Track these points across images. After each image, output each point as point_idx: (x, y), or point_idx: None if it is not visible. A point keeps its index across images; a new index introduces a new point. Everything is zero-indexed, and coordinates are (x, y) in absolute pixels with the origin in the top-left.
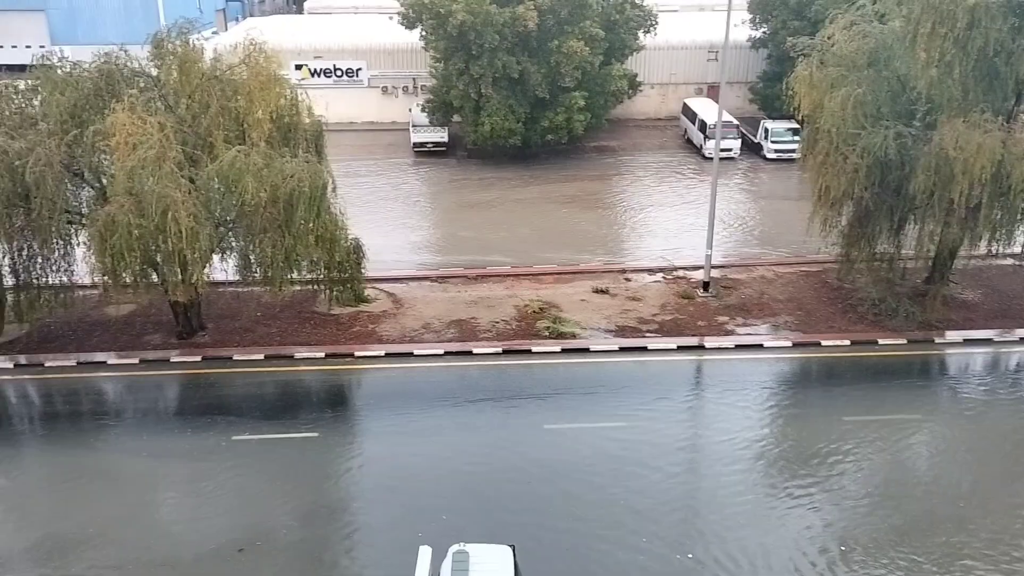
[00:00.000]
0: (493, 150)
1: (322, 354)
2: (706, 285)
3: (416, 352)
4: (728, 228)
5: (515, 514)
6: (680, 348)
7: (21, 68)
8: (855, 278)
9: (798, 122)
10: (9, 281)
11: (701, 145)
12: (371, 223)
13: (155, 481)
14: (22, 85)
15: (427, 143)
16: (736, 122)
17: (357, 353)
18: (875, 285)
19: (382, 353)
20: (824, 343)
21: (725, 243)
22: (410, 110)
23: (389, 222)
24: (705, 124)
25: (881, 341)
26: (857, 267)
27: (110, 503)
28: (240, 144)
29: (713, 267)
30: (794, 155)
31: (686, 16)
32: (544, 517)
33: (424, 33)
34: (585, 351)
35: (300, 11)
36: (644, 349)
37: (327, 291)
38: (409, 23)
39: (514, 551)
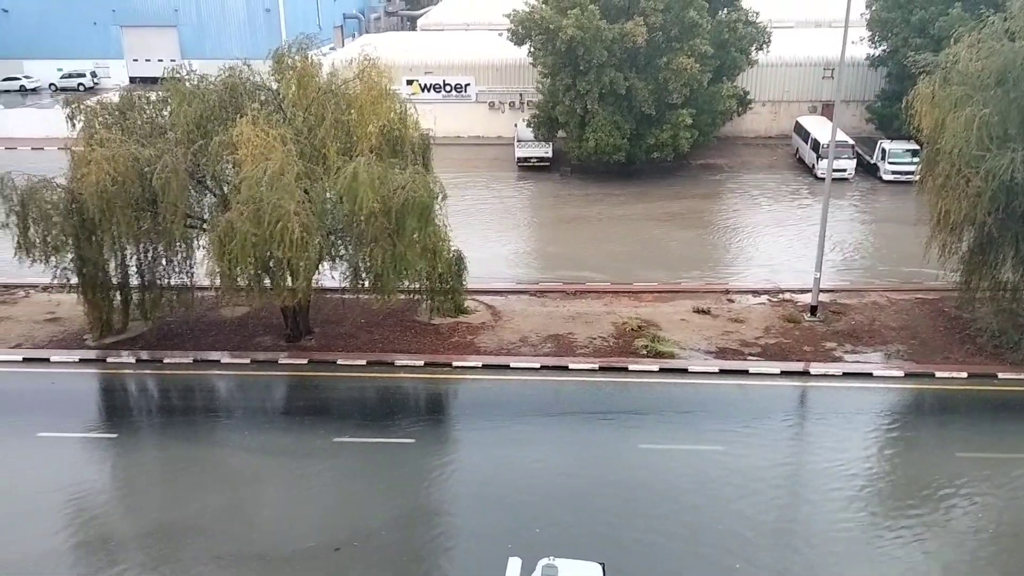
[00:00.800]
0: (597, 166)
1: (421, 362)
2: (813, 309)
3: (513, 364)
4: (839, 251)
5: (606, 531)
6: (784, 373)
7: (153, 80)
8: (975, 308)
9: (918, 143)
10: (135, 280)
11: (813, 165)
12: (473, 236)
13: (259, 477)
14: (154, 96)
15: (531, 158)
16: (851, 142)
17: (455, 363)
18: (996, 316)
19: (479, 364)
20: (939, 374)
21: (835, 267)
22: (515, 125)
23: (491, 235)
24: (818, 143)
25: (1001, 375)
26: (978, 296)
27: (216, 495)
28: (349, 156)
29: (822, 291)
30: (912, 177)
31: (801, 32)
32: (636, 535)
33: (532, 49)
34: (684, 372)
35: (413, 28)
36: (745, 372)
37: (428, 301)
38: (518, 39)
39: (604, 569)
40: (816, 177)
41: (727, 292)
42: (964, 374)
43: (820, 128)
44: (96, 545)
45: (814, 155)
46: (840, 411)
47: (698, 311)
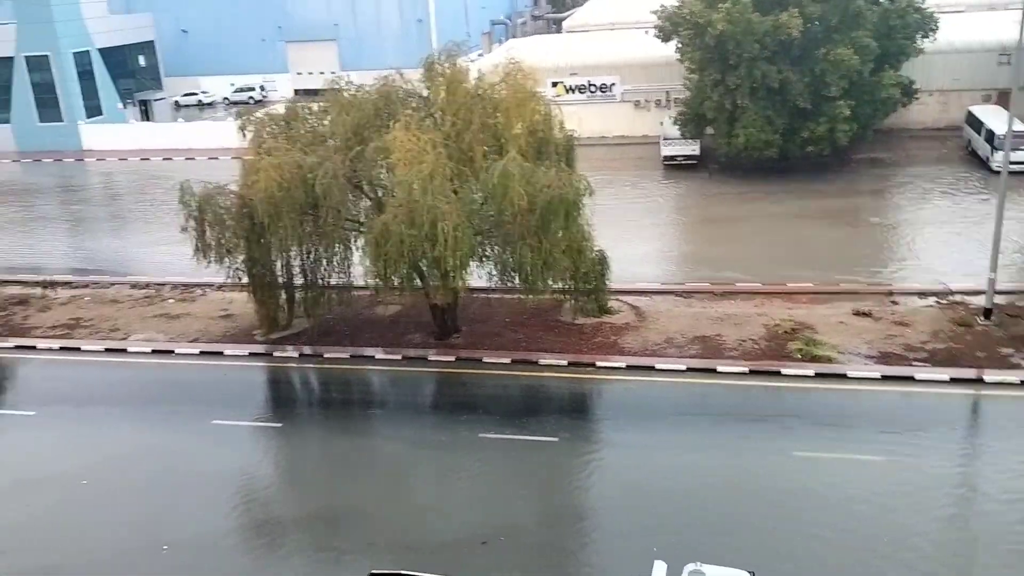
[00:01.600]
0: (747, 163)
1: (565, 362)
2: (988, 312)
3: (658, 366)
4: (1017, 250)
5: (757, 538)
6: (953, 380)
7: (315, 92)
8: None
9: None
10: (299, 280)
11: (988, 157)
12: (617, 236)
13: (410, 469)
14: (315, 107)
15: (677, 156)
16: None
17: (599, 363)
18: None
19: (623, 365)
20: None
21: (1013, 267)
22: (661, 123)
23: (635, 235)
24: (993, 134)
25: None
26: None
27: (370, 484)
28: (497, 156)
29: (997, 292)
30: None
31: (973, 16)
32: (787, 547)
33: (680, 45)
34: (842, 377)
35: (559, 30)
36: (911, 379)
37: (572, 301)
38: (665, 36)
39: None
40: (991, 170)
41: (890, 294)
42: None
43: (995, 118)
44: (262, 527)
45: (988, 147)
46: (1018, 421)
47: (858, 313)
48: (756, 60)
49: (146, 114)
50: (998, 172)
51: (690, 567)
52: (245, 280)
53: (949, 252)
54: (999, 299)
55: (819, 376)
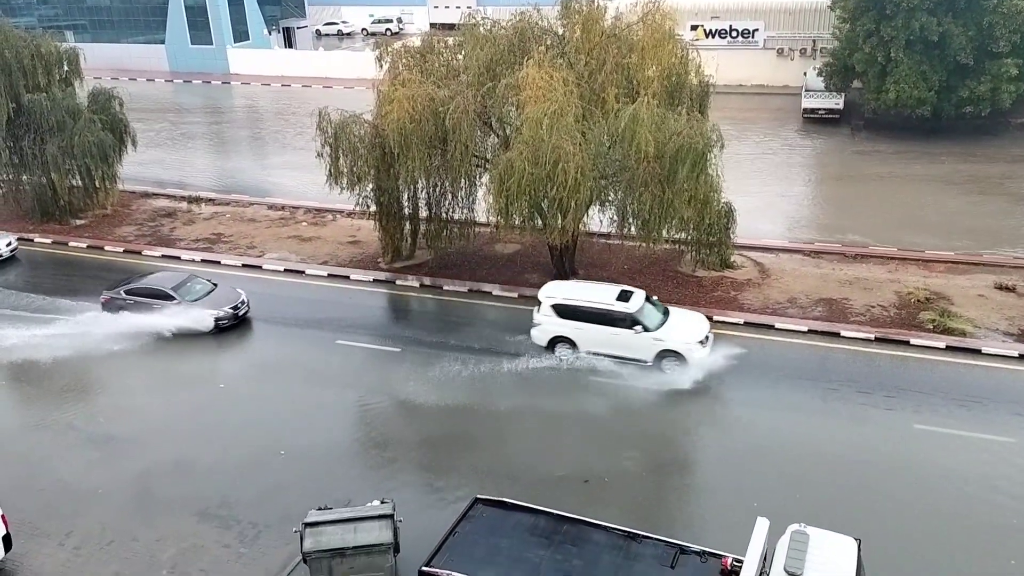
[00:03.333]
0: (895, 120)
1: None
2: None
3: (777, 325)
4: None
5: (864, 508)
6: None
7: (451, 26)
8: None
9: None
10: (423, 212)
11: None
12: (747, 189)
13: (528, 398)
14: (451, 41)
15: (819, 110)
16: None
17: (715, 318)
18: None
19: (741, 321)
20: None
21: None
22: (804, 74)
23: (766, 189)
24: None
25: None
26: None
27: (480, 416)
28: (629, 100)
29: None
30: None
31: None
32: (897, 518)
33: None
34: (976, 352)
35: None
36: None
37: (694, 252)
38: None
39: (859, 546)
40: None
41: None
42: None
43: None
44: (379, 443)
45: None
46: None
47: (1001, 287)
48: (916, 10)
49: (289, 41)
50: None
51: (794, 527)
52: (373, 208)
53: None
54: None
55: (950, 349)
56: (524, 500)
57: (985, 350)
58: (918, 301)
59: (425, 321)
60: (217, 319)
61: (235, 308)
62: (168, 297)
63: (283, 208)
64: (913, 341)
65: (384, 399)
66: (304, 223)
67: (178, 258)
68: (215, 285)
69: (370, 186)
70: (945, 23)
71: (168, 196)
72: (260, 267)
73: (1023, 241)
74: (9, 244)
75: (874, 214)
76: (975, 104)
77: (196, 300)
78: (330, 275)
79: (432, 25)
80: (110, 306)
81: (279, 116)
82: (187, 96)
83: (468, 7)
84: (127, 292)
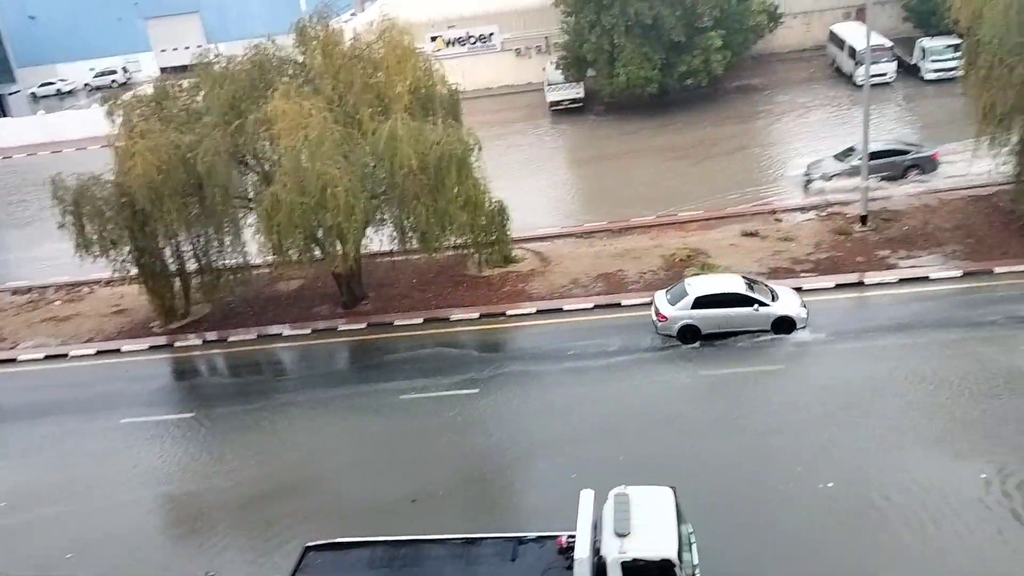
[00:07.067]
0: (630, 101)
1: (476, 314)
2: (864, 219)
3: (566, 307)
4: None
5: (673, 466)
6: (838, 286)
7: (184, 68)
8: None
9: (959, 36)
10: (192, 265)
11: (852, 73)
12: (513, 185)
13: (333, 436)
14: (186, 83)
15: (563, 101)
16: (889, 44)
17: (509, 311)
18: None
19: (533, 310)
20: (997, 270)
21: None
22: (543, 69)
23: (530, 182)
24: (855, 50)
25: None
26: None
27: (299, 455)
28: (383, 118)
29: (871, 200)
30: (956, 74)
31: None
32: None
33: None
34: None
35: None
36: (799, 289)
37: (476, 254)
38: None
39: (675, 492)
40: (856, 85)
41: (774, 212)
42: None
43: (856, 34)
44: (192, 515)
45: (852, 63)
46: (901, 319)
47: (746, 234)
48: None
49: (1, 109)
50: (862, 86)
51: (616, 490)
52: (134, 272)
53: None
54: (874, 205)
55: None
56: (357, 535)
57: None
58: (681, 260)
59: (215, 377)
60: None
61: None
62: None
63: (29, 291)
64: None
65: (191, 471)
66: (57, 302)
67: None
68: None
69: (126, 248)
70: (656, 5)
71: None
72: (14, 360)
73: (760, 189)
74: None
75: (628, 188)
76: (694, 76)
77: None
78: (99, 351)
79: (163, 70)
80: None
81: (5, 193)
82: None
83: (198, 46)
84: None
